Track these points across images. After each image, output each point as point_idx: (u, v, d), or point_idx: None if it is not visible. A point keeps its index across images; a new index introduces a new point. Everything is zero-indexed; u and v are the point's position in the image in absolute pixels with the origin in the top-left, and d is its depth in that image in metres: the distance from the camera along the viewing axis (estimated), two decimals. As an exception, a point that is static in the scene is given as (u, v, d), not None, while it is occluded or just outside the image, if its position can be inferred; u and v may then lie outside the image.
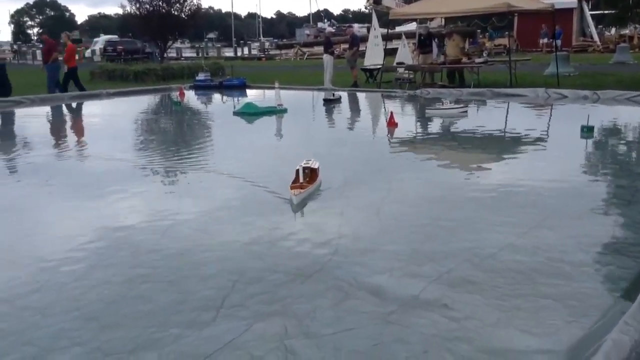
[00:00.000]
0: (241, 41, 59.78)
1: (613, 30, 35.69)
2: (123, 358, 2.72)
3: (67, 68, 15.34)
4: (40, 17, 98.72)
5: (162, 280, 3.58)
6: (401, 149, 8.05)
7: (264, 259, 3.86)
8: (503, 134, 9.21)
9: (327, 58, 16.75)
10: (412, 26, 26.35)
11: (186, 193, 5.79)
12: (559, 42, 23.23)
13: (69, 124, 12.45)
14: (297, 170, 5.35)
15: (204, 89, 17.14)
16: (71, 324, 3.04)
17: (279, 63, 36.20)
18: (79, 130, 11.19)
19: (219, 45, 56.25)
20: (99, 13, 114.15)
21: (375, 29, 18.67)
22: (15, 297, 3.40)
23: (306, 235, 4.34)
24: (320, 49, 22.53)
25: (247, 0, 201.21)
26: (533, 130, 9.12)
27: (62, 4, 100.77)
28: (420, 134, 9.54)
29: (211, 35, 70.86)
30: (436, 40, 17.07)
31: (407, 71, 16.15)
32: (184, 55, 46.97)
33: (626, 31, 32.41)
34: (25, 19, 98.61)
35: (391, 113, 9.52)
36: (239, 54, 50.09)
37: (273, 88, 12.27)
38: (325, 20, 70.83)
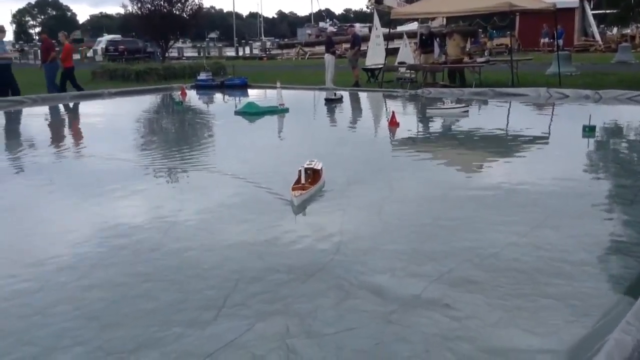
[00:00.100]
0: (242, 41, 59.87)
1: (615, 30, 35.62)
2: (125, 357, 2.72)
3: (64, 68, 15.32)
4: (42, 17, 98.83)
5: (163, 280, 3.58)
6: (403, 149, 8.04)
7: (265, 259, 3.86)
8: (505, 133, 9.20)
9: (328, 58, 16.75)
10: (413, 26, 26.39)
11: (188, 192, 5.79)
12: (560, 41, 23.19)
13: (70, 123, 12.46)
14: (300, 171, 5.32)
15: (205, 89, 17.13)
16: (72, 323, 3.04)
17: (281, 63, 36.20)
18: (80, 129, 11.19)
19: (221, 45, 56.35)
20: (101, 13, 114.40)
21: (376, 29, 18.66)
22: (17, 296, 3.41)
23: (308, 234, 4.34)
24: (322, 48, 22.51)
25: (249, 0, 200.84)
26: (535, 130, 9.11)
27: (64, 3, 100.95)
28: (421, 134, 9.54)
29: (213, 34, 70.93)
30: (437, 39, 17.05)
31: (408, 71, 16.14)
32: (185, 54, 46.97)
33: (628, 31, 32.36)
34: (27, 19, 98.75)
35: (393, 113, 9.51)
36: (241, 53, 50.09)
37: (274, 88, 12.27)
38: (327, 19, 70.86)
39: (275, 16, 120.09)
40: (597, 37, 32.84)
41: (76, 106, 14.61)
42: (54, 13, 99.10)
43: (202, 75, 17.77)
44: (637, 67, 19.51)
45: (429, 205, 5.08)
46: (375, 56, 17.88)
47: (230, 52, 51.88)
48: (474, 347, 2.74)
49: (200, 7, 26.14)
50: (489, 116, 11.27)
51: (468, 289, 3.33)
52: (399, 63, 16.99)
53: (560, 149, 7.61)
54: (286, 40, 60.31)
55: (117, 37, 44.60)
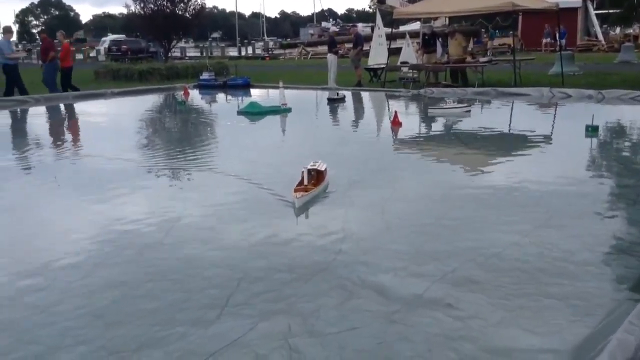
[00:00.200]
0: (245, 41, 59.85)
1: (618, 30, 35.57)
2: (128, 356, 2.73)
3: (62, 67, 15.31)
4: (45, 17, 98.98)
5: (166, 279, 3.59)
6: (405, 149, 8.05)
7: (268, 258, 3.87)
8: (507, 133, 9.19)
9: (331, 57, 16.75)
10: (416, 25, 26.37)
11: (190, 192, 5.80)
12: (562, 41, 23.15)
13: (74, 123, 12.47)
14: (303, 172, 5.26)
15: (208, 89, 17.14)
16: (76, 323, 3.05)
17: (283, 62, 36.20)
18: (83, 129, 11.20)
19: (223, 45, 56.38)
20: (104, 13, 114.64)
21: (379, 29, 18.65)
22: (21, 295, 3.42)
23: (310, 234, 4.35)
24: (324, 48, 22.53)
25: (251, 0, 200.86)
26: (537, 130, 9.10)
27: (67, 3, 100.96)
28: (424, 134, 9.53)
29: (215, 34, 70.92)
30: (440, 39, 17.04)
31: (411, 70, 16.13)
32: (188, 54, 47.01)
33: (631, 30, 32.31)
34: (30, 19, 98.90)
35: (395, 112, 9.52)
36: (243, 53, 50.07)
37: (277, 87, 12.28)
38: (330, 19, 70.86)
39: (278, 16, 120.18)
40: (600, 36, 32.81)
41: (79, 106, 14.63)
42: (57, 13, 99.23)
43: (205, 75, 17.79)
44: (640, 67, 19.48)
45: (432, 205, 5.08)
46: (377, 56, 17.87)
47: (232, 52, 51.84)
48: (476, 346, 2.74)
49: (202, 7, 26.16)
50: (491, 116, 11.26)
51: (471, 288, 3.33)
52: (401, 63, 16.98)
53: (563, 149, 7.60)
54: (289, 40, 60.29)
55: (121, 37, 44.61)
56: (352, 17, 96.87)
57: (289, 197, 5.07)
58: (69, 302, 3.29)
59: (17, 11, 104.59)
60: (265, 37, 67.30)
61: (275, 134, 9.61)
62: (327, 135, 9.38)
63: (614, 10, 19.40)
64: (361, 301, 3.21)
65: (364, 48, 17.94)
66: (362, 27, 34.00)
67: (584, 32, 33.51)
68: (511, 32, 24.36)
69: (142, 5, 24.80)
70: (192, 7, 25.39)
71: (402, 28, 29.24)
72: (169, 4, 24.67)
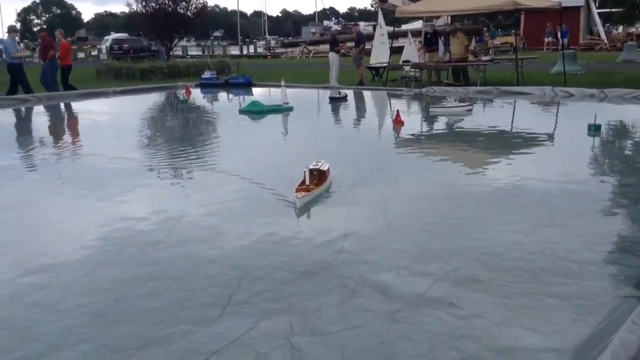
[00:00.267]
0: (247, 39, 59.80)
1: (620, 29, 35.52)
2: (130, 355, 2.73)
3: (61, 66, 15.31)
4: (47, 16, 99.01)
5: (168, 278, 3.59)
6: (407, 147, 8.04)
7: (269, 257, 3.87)
8: (509, 132, 9.18)
9: (332, 56, 16.72)
10: (418, 24, 26.28)
11: (192, 191, 5.80)
12: (565, 40, 23.12)
13: (76, 122, 12.48)
14: (305, 172, 5.23)
15: (210, 87, 17.15)
16: (78, 321, 3.06)
17: (285, 61, 36.20)
18: (85, 128, 11.21)
19: (225, 44, 56.28)
20: (105, 11, 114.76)
21: (381, 27, 18.63)
22: (23, 293, 3.42)
23: (312, 233, 4.35)
24: (326, 47, 22.56)
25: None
26: (540, 129, 9.09)
27: (69, 2, 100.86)
28: (426, 133, 9.53)
29: (217, 33, 70.85)
30: (442, 38, 17.02)
31: (413, 69, 16.11)
32: (189, 53, 47.03)
33: (633, 29, 32.25)
34: (31, 17, 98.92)
35: (397, 111, 9.51)
36: (245, 52, 50.07)
37: (279, 86, 12.27)
38: (332, 18, 70.82)
39: (280, 15, 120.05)
40: (603, 35, 32.74)
41: (81, 105, 14.63)
42: (59, 12, 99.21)
43: (207, 74, 17.79)
44: (642, 65, 19.43)
45: (434, 204, 5.07)
46: (379, 55, 17.86)
47: (234, 50, 51.84)
48: (478, 345, 2.74)
49: (204, 6, 26.21)
50: (493, 115, 11.25)
51: (473, 287, 3.33)
52: (403, 62, 16.97)
53: (566, 148, 7.59)
54: (290, 38, 60.30)
55: (124, 35, 44.58)
56: (354, 15, 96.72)
57: (291, 197, 5.06)
58: (71, 301, 3.30)
59: (18, 10, 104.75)
60: (267, 36, 67.25)
61: (277, 132, 9.60)
62: (329, 134, 9.37)
63: (617, 9, 19.34)
64: (363, 300, 3.21)
65: (366, 47, 17.91)
66: (364, 26, 34.02)
67: (586, 30, 33.44)
68: (513, 30, 24.31)
69: (144, 3, 24.85)
70: (193, 6, 25.49)
71: (404, 27, 29.14)
72: (170, 3, 24.72)
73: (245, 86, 17.04)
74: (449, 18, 26.63)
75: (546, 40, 30.27)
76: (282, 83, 11.98)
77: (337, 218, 4.65)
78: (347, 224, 4.50)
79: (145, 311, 3.15)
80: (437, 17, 24.21)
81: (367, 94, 15.28)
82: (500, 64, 16.22)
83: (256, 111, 11.20)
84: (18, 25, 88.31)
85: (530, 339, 2.78)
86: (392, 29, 18.04)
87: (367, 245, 4.05)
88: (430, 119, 10.66)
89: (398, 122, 9.23)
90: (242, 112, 11.50)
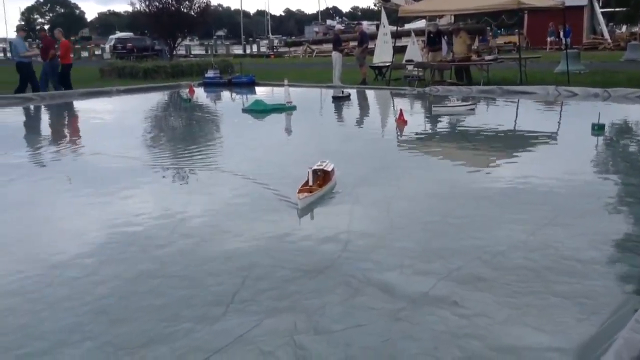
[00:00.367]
0: (250, 39, 59.84)
1: (624, 28, 35.46)
2: (134, 352, 2.74)
3: (62, 65, 15.32)
4: (51, 15, 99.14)
5: (172, 276, 3.60)
6: (410, 146, 8.03)
7: (273, 256, 3.87)
8: (513, 131, 9.17)
9: (336, 55, 16.72)
10: (421, 23, 26.32)
11: (195, 190, 5.81)
12: (568, 39, 23.07)
13: (79, 121, 12.50)
14: (308, 172, 5.18)
15: (213, 87, 17.17)
16: (82, 319, 3.06)
17: (288, 60, 36.20)
18: (88, 127, 11.22)
19: (228, 43, 56.32)
20: (109, 10, 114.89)
21: (384, 27, 18.62)
22: (27, 291, 3.43)
23: (315, 231, 4.35)
24: (329, 46, 22.49)
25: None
26: (543, 128, 9.08)
27: (72, 1, 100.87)
28: (429, 132, 9.52)
29: (220, 32, 70.98)
30: (445, 37, 17.00)
31: (416, 69, 16.10)
32: (193, 52, 47.06)
33: (637, 29, 32.18)
34: (35, 16, 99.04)
35: (400, 110, 9.50)
36: (248, 51, 50.09)
37: (282, 85, 12.28)
38: (335, 17, 70.80)
39: (283, 14, 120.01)
40: (606, 35, 32.69)
41: (84, 104, 14.65)
42: (62, 11, 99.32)
43: (210, 73, 17.81)
44: (646, 65, 19.36)
45: (437, 202, 5.07)
46: (382, 54, 17.85)
47: (237, 50, 51.86)
48: (482, 344, 2.74)
49: (207, 5, 26.21)
50: (496, 114, 11.24)
51: (477, 286, 3.33)
52: (406, 61, 16.96)
53: (569, 147, 7.58)
54: (293, 38, 60.29)
55: (129, 34, 44.58)
56: (357, 15, 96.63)
57: (294, 197, 5.02)
58: (74, 298, 3.30)
59: (22, 9, 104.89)
60: (270, 35, 67.25)
61: (280, 132, 9.61)
62: (332, 133, 9.37)
63: (620, 9, 19.31)
64: (366, 298, 3.21)
65: (369, 46, 17.91)
66: (367, 25, 34.03)
67: (590, 30, 33.39)
68: (517, 30, 24.27)
69: (147, 3, 24.86)
70: (197, 5, 25.48)
71: (407, 26, 29.16)
72: (174, 2, 24.71)
73: (249, 85, 17.05)
74: (452, 17, 26.66)
75: (549, 39, 30.23)
76: (285, 82, 11.98)
77: (341, 217, 4.65)
78: (351, 222, 4.50)
79: (149, 309, 3.16)
80: (440, 17, 24.21)
81: (370, 93, 15.27)
82: (504, 63, 16.20)
83: (259, 110, 11.21)
84: (22, 24, 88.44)
85: (534, 338, 2.78)
86: (395, 28, 18.02)
87: (370, 244, 4.05)
88: (433, 118, 10.65)
89: (401, 121, 9.23)
90: (245, 111, 11.51)
